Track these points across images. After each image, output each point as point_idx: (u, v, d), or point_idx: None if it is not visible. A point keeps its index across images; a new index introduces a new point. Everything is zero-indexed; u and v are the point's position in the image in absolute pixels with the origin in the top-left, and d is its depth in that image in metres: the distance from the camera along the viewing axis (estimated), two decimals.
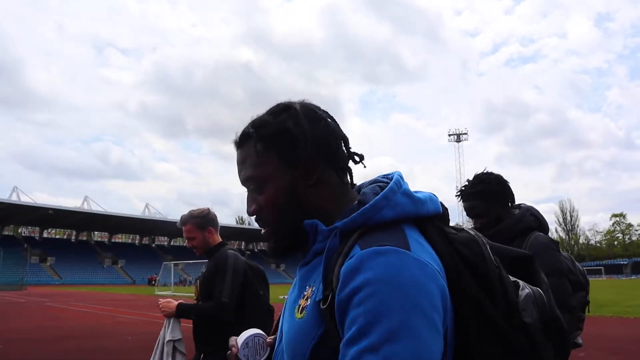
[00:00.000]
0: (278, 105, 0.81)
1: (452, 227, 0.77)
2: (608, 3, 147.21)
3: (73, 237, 68.35)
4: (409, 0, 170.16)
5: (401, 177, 0.78)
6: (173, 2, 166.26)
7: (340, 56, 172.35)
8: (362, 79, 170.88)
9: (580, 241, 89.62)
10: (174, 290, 30.29)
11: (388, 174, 0.81)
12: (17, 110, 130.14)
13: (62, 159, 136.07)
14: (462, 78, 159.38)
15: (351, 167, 0.83)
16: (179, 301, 2.54)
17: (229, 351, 0.92)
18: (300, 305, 0.73)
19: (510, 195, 2.03)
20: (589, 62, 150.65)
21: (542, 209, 2.08)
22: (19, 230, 65.26)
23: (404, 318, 0.58)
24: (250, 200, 0.82)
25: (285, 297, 0.86)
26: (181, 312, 2.45)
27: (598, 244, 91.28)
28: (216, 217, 2.63)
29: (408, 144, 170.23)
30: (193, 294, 2.65)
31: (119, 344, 7.90)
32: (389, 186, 0.74)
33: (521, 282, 0.75)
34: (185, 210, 2.64)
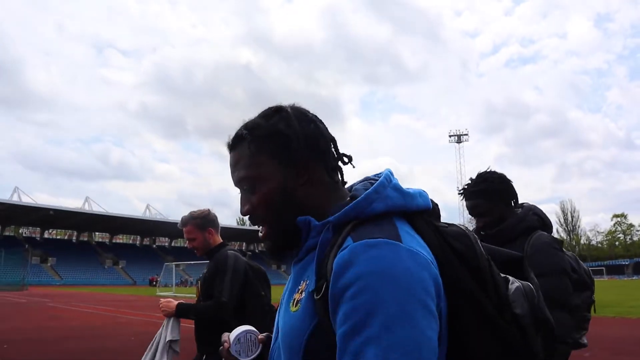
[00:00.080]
0: (269, 108, 0.85)
1: (443, 222, 0.79)
2: (608, 3, 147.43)
3: (74, 238, 68.44)
4: (409, 0, 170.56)
5: (391, 173, 0.81)
6: (173, 3, 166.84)
7: (341, 57, 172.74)
8: (362, 79, 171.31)
9: (582, 242, 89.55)
10: (175, 291, 30.31)
11: (378, 173, 0.83)
12: (17, 111, 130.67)
13: (63, 159, 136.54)
14: (462, 79, 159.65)
15: (341, 167, 0.85)
16: (179, 301, 2.54)
17: (221, 347, 0.92)
18: (295, 299, 0.74)
19: (513, 194, 2.02)
20: (589, 63, 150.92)
21: (543, 209, 2.07)
22: (20, 231, 65.33)
23: (399, 307, 0.59)
24: (243, 200, 0.84)
25: None
26: (181, 311, 2.45)
27: (599, 245, 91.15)
28: (216, 218, 2.63)
29: (408, 145, 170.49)
30: (194, 295, 2.65)
31: (121, 344, 8.00)
32: (379, 181, 0.77)
33: (511, 277, 0.77)
34: (185, 211, 2.65)
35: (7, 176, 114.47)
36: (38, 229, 64.82)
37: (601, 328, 9.03)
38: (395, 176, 0.81)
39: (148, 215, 64.42)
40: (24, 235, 64.98)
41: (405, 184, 0.80)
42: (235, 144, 0.84)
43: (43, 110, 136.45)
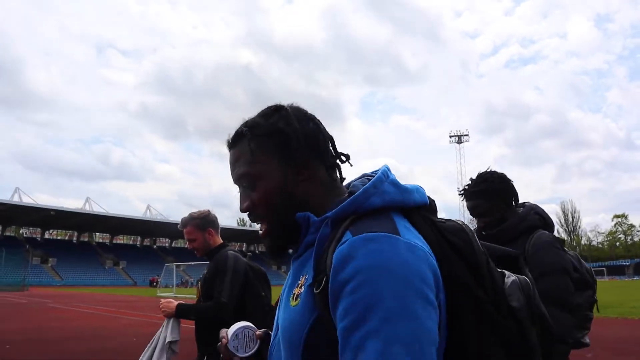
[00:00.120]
0: (269, 107, 0.86)
1: (440, 218, 0.80)
2: (608, 4, 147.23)
3: (74, 238, 68.47)
4: (410, 1, 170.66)
5: (388, 169, 0.82)
6: (174, 3, 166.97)
7: (341, 58, 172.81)
8: (362, 80, 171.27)
9: (582, 242, 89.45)
10: (176, 292, 30.31)
11: (376, 170, 0.84)
12: (18, 111, 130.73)
13: (63, 159, 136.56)
14: (463, 79, 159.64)
15: (340, 165, 0.87)
16: (179, 302, 2.54)
17: (219, 342, 0.92)
18: (294, 294, 0.75)
19: (513, 194, 2.02)
20: (589, 63, 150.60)
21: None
22: (21, 231, 65.38)
23: (399, 300, 0.60)
24: (243, 197, 0.84)
25: None
26: (181, 312, 2.45)
27: (600, 245, 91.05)
28: (216, 218, 2.63)
29: (409, 145, 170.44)
30: (195, 296, 2.65)
31: (124, 345, 8.02)
32: (377, 176, 0.78)
33: (507, 272, 0.78)
34: (186, 212, 2.65)
35: (7, 176, 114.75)
36: (39, 229, 64.85)
37: (603, 329, 9.01)
38: (394, 175, 0.81)
39: (149, 216, 64.47)
40: (24, 235, 65.01)
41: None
42: (235, 142, 0.84)
43: (43, 110, 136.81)
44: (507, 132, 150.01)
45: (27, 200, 55.38)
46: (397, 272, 0.62)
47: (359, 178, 0.86)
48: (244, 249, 73.57)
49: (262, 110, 0.86)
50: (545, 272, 1.79)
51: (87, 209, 60.62)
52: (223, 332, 0.92)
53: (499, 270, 0.77)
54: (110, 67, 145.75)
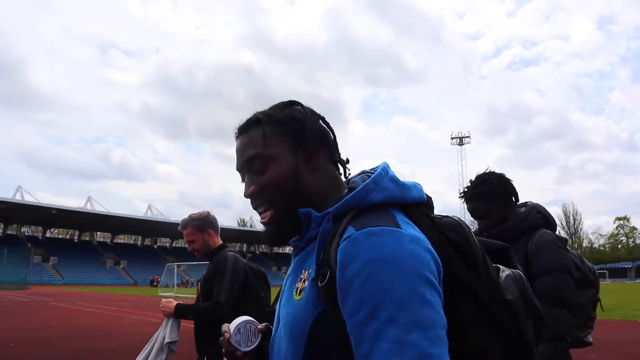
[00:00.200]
0: (283, 101, 0.88)
1: (437, 214, 0.82)
2: (610, 5, 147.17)
3: (76, 237, 68.57)
4: (411, 2, 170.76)
5: (387, 166, 0.83)
6: (176, 4, 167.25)
7: (342, 59, 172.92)
8: (364, 81, 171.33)
9: (584, 244, 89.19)
10: (176, 292, 30.33)
11: (375, 167, 0.86)
12: (21, 110, 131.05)
13: (65, 159, 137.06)
14: (464, 81, 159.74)
15: (344, 162, 0.89)
16: (178, 302, 2.54)
17: (222, 337, 0.92)
18: (297, 288, 0.76)
19: (513, 193, 2.02)
20: (591, 65, 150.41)
21: None
22: (22, 230, 65.51)
23: (410, 287, 0.62)
24: (249, 182, 0.84)
25: None
26: (179, 312, 2.46)
27: (602, 248, 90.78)
28: (216, 219, 2.64)
29: (410, 147, 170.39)
30: (195, 295, 2.65)
31: (126, 344, 7.96)
32: (377, 172, 0.79)
33: (501, 266, 0.81)
34: (186, 212, 2.66)
35: (10, 175, 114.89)
36: (40, 228, 64.97)
37: (606, 331, 9.03)
38: (393, 172, 0.82)
39: (149, 216, 64.51)
40: (26, 234, 65.12)
41: None
42: (248, 127, 0.85)
43: (46, 110, 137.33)
44: (509, 134, 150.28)
45: (28, 198, 55.48)
46: (403, 262, 0.63)
47: (358, 175, 0.87)
48: (244, 249, 73.56)
49: (276, 104, 0.87)
50: (547, 271, 1.79)
51: (89, 208, 60.64)
52: (225, 326, 0.92)
53: (494, 265, 0.79)
54: (113, 68, 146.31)
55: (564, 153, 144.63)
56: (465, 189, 2.07)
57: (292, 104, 0.87)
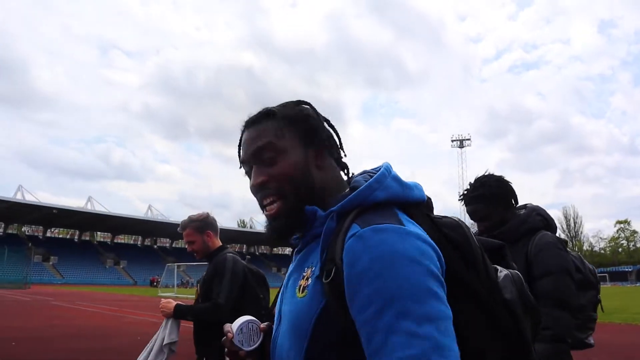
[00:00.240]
0: (291, 100, 0.90)
1: (436, 215, 0.83)
2: (611, 9, 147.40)
3: (76, 237, 68.61)
4: (412, 5, 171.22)
5: (390, 166, 0.84)
6: (177, 5, 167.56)
7: (343, 60, 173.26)
8: (364, 83, 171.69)
9: (584, 248, 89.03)
10: (176, 292, 30.33)
11: (376, 167, 0.87)
12: (21, 110, 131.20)
13: (65, 159, 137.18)
14: (465, 84, 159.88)
15: (346, 164, 0.90)
16: (177, 302, 2.54)
17: (224, 337, 0.92)
18: (301, 286, 0.76)
19: (512, 196, 2.02)
20: (592, 69, 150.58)
21: None
22: (23, 229, 65.55)
23: (418, 282, 0.63)
24: (258, 172, 0.83)
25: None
26: (179, 312, 2.46)
27: (602, 251, 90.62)
28: (215, 221, 2.64)
29: (410, 149, 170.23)
30: (195, 296, 2.66)
31: (128, 344, 7.97)
32: (380, 172, 0.80)
33: (499, 267, 0.82)
34: (186, 213, 2.67)
35: (10, 175, 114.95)
36: (41, 227, 65.02)
37: (608, 334, 9.03)
38: (395, 171, 0.84)
39: (149, 216, 64.55)
40: (26, 233, 65.15)
41: None
42: (259, 119, 0.85)
43: (47, 109, 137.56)
44: (509, 137, 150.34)
45: (29, 198, 55.55)
46: (411, 257, 0.65)
47: (360, 174, 0.87)
48: (243, 250, 73.53)
49: (285, 102, 0.89)
50: (547, 273, 1.79)
51: (89, 208, 60.71)
52: (227, 326, 0.92)
53: (493, 266, 0.80)
54: (113, 68, 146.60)
55: (564, 156, 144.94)
56: (465, 192, 2.07)
57: (301, 103, 0.89)
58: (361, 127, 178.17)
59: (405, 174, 0.81)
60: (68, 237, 69.40)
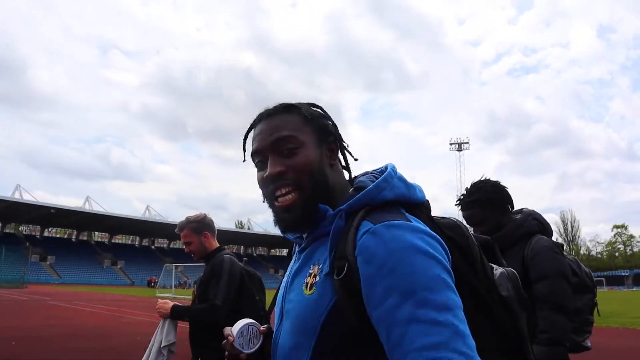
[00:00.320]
0: (305, 102, 0.92)
1: (436, 216, 0.86)
2: (611, 14, 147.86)
3: (73, 237, 68.44)
4: (412, 8, 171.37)
5: (395, 167, 0.87)
6: (177, 5, 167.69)
7: (342, 62, 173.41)
8: (363, 85, 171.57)
9: (581, 252, 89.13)
10: (174, 293, 30.27)
11: (379, 168, 0.89)
12: (20, 110, 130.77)
13: (64, 158, 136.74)
14: (464, 87, 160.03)
15: (349, 165, 0.93)
16: (174, 303, 2.55)
17: (225, 340, 0.93)
18: (308, 283, 0.77)
19: (508, 201, 2.03)
20: (591, 73, 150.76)
21: None
22: (20, 229, 65.36)
23: (433, 274, 0.66)
24: (275, 162, 0.83)
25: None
26: (175, 313, 2.46)
27: (599, 255, 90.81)
28: (213, 222, 2.65)
29: (409, 152, 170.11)
30: (191, 297, 2.66)
31: (128, 344, 7.98)
32: (387, 172, 0.83)
33: (494, 265, 0.86)
34: (184, 213, 2.67)
35: (9, 174, 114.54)
36: (38, 227, 64.84)
37: (605, 339, 9.03)
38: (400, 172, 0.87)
39: (147, 216, 64.43)
40: (24, 233, 64.95)
41: None
42: (278, 112, 0.87)
43: (46, 109, 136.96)
44: (508, 141, 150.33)
45: (27, 197, 55.38)
46: (424, 251, 0.68)
47: (364, 175, 0.90)
48: (241, 251, 73.45)
49: (300, 102, 0.91)
50: (544, 277, 1.81)
51: (87, 208, 60.54)
52: (227, 330, 0.93)
53: (489, 264, 0.84)
54: (113, 68, 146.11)
55: (563, 160, 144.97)
56: (461, 197, 2.08)
57: (312, 105, 0.92)
58: (360, 129, 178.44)
59: (404, 176, 0.85)
60: (66, 236, 69.27)
